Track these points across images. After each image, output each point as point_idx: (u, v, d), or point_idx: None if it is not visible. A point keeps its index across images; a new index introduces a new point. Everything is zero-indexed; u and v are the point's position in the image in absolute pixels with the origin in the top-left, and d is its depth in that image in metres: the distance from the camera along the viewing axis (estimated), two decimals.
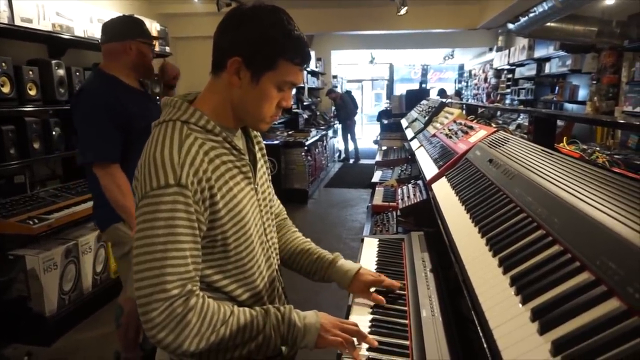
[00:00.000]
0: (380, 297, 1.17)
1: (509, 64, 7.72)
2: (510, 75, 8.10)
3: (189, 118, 0.93)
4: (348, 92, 10.14)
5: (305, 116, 8.68)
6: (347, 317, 1.12)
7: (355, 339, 0.97)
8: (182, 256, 0.85)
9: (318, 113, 9.62)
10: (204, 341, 0.85)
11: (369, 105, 16.24)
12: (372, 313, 1.14)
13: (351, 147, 9.73)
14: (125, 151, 1.87)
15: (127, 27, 1.98)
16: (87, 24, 3.42)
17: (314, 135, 6.99)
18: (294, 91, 7.64)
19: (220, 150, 0.94)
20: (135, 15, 2.09)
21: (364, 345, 0.99)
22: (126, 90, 1.96)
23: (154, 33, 4.34)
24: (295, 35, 0.93)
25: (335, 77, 10.89)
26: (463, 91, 12.53)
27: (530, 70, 6.90)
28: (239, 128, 1.04)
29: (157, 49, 4.34)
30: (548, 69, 6.19)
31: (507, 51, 7.82)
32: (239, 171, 0.98)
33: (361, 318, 1.10)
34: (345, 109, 9.22)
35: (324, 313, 1.00)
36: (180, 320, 0.83)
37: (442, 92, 9.46)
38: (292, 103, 7.73)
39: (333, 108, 9.74)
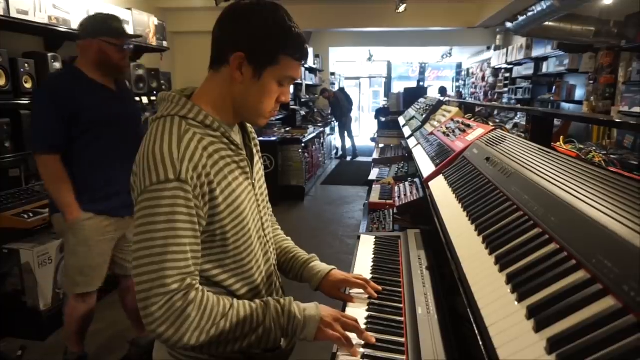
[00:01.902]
0: (350, 296, 1.17)
1: (506, 62, 7.73)
2: (507, 74, 8.11)
3: (187, 113, 0.93)
4: (342, 90, 10.11)
5: (303, 113, 8.67)
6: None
7: (355, 334, 0.97)
8: (181, 251, 0.85)
9: (315, 110, 9.62)
10: (204, 335, 0.86)
11: (367, 103, 16.20)
12: (368, 310, 1.14)
13: (348, 144, 9.72)
14: (71, 142, 1.93)
15: (92, 25, 1.99)
16: (84, 17, 3.39)
17: (311, 132, 6.98)
18: (291, 88, 7.62)
19: (219, 146, 0.95)
20: (111, 12, 2.11)
21: (359, 341, 0.99)
22: (87, 84, 1.98)
23: (151, 28, 4.30)
24: (296, 31, 0.95)
25: (333, 74, 10.87)
26: (461, 90, 12.53)
27: (527, 70, 6.91)
28: (236, 123, 1.05)
29: (154, 43, 4.31)
30: (545, 68, 6.20)
31: (505, 50, 7.83)
32: (237, 166, 0.98)
33: (357, 315, 1.10)
34: (339, 106, 9.21)
35: (324, 306, 1.00)
36: (180, 315, 0.83)
37: (443, 91, 9.48)
38: (290, 99, 7.75)
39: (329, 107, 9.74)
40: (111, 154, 2.00)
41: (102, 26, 1.98)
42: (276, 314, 0.94)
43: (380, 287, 1.21)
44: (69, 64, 2.04)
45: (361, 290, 1.19)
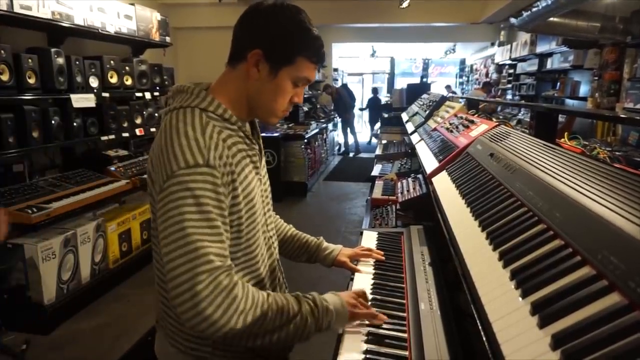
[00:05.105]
0: (357, 268, 1.35)
1: (510, 59, 7.70)
2: (511, 71, 8.07)
3: (207, 106, 0.93)
4: (344, 86, 10.09)
5: (306, 109, 8.65)
6: None
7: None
8: (217, 233, 0.84)
9: (318, 106, 9.60)
10: (249, 318, 0.83)
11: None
12: (370, 306, 1.14)
13: (351, 140, 9.71)
14: None
15: None
16: (87, 13, 3.39)
17: (314, 128, 6.97)
18: None
19: (236, 139, 0.96)
20: None
21: (362, 338, 1.00)
22: None
23: (154, 23, 4.29)
24: (314, 35, 0.97)
25: (336, 70, 10.84)
26: (464, 86, 12.48)
27: (531, 66, 6.87)
28: (249, 120, 1.06)
29: (157, 38, 4.30)
30: (550, 64, 6.16)
31: (509, 46, 7.79)
32: (250, 160, 0.99)
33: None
34: (342, 102, 9.19)
35: (340, 293, 1.04)
36: (228, 293, 0.81)
37: (448, 88, 9.47)
38: None
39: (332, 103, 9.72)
40: None
41: None
42: (309, 307, 0.94)
43: (382, 256, 1.41)
44: None
45: (368, 260, 1.39)
